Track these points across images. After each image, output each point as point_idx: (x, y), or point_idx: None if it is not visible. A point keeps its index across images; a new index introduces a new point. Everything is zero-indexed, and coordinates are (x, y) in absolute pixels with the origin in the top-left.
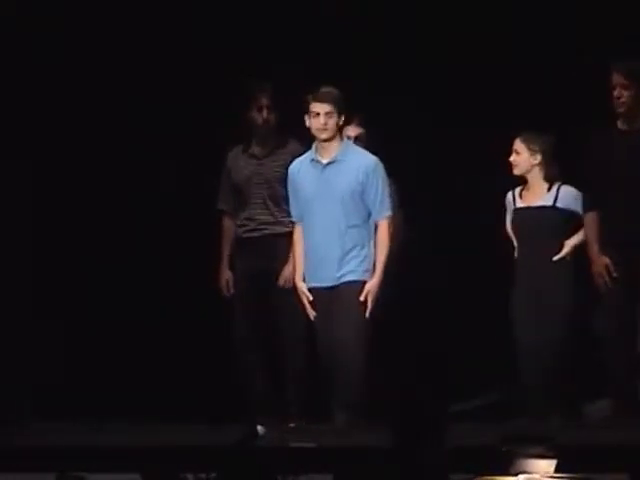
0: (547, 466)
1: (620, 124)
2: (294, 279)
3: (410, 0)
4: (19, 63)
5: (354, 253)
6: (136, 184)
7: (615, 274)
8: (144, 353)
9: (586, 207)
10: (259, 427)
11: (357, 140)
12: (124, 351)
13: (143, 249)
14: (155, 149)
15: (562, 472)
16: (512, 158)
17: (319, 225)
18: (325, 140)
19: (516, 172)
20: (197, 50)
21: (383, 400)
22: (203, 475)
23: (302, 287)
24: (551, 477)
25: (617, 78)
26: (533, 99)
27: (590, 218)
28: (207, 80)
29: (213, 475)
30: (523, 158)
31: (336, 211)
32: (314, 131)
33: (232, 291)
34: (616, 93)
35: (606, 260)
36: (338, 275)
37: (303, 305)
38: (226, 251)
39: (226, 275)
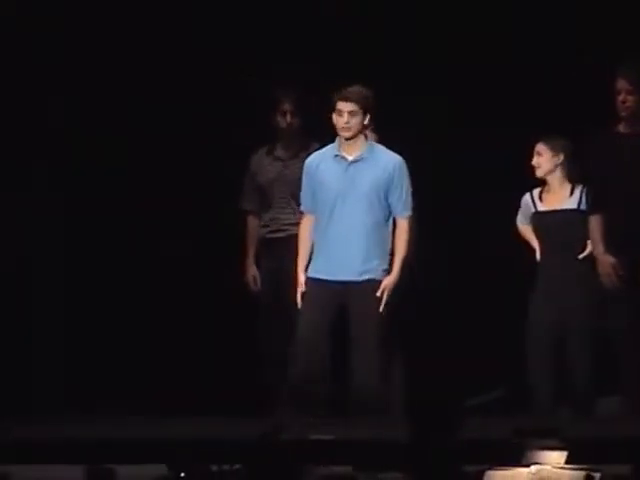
0: (558, 457)
1: (623, 127)
2: (296, 268)
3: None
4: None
5: (376, 252)
6: (160, 185)
7: (621, 273)
8: (173, 347)
9: (590, 209)
10: (282, 420)
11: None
12: (153, 345)
13: (167, 249)
14: (180, 150)
15: (572, 463)
16: (534, 160)
17: (342, 221)
18: (349, 138)
19: (539, 174)
20: (219, 53)
21: (400, 395)
22: (228, 466)
23: (302, 278)
24: (561, 468)
25: (622, 83)
26: (546, 101)
27: (594, 220)
28: (231, 84)
29: (237, 467)
30: (546, 159)
31: (360, 208)
32: (338, 129)
33: (259, 286)
34: (621, 98)
35: (611, 259)
36: (358, 272)
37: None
38: (252, 249)
39: (252, 271)
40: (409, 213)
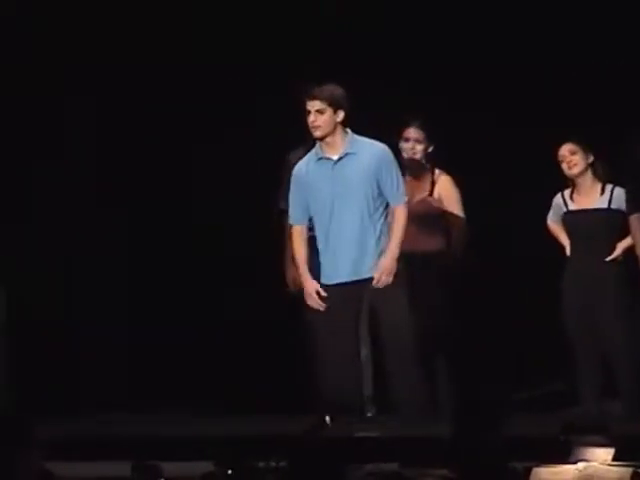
0: (605, 454)
1: None
2: (301, 280)
3: (477, 2)
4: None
5: (381, 244)
6: (205, 186)
7: None
8: (219, 345)
9: (630, 209)
10: (327, 417)
11: (416, 142)
12: (200, 343)
13: (214, 250)
14: (222, 151)
15: (620, 460)
16: (568, 159)
17: (342, 221)
18: (320, 138)
19: (575, 171)
20: (257, 56)
21: (444, 391)
22: (273, 463)
23: (315, 286)
24: (609, 465)
25: None
26: (576, 101)
27: (635, 220)
28: (272, 85)
29: (283, 463)
30: (580, 157)
31: (358, 205)
32: (310, 129)
33: (299, 288)
34: None
35: None
36: (368, 269)
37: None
38: (291, 249)
39: (293, 271)
40: (404, 199)
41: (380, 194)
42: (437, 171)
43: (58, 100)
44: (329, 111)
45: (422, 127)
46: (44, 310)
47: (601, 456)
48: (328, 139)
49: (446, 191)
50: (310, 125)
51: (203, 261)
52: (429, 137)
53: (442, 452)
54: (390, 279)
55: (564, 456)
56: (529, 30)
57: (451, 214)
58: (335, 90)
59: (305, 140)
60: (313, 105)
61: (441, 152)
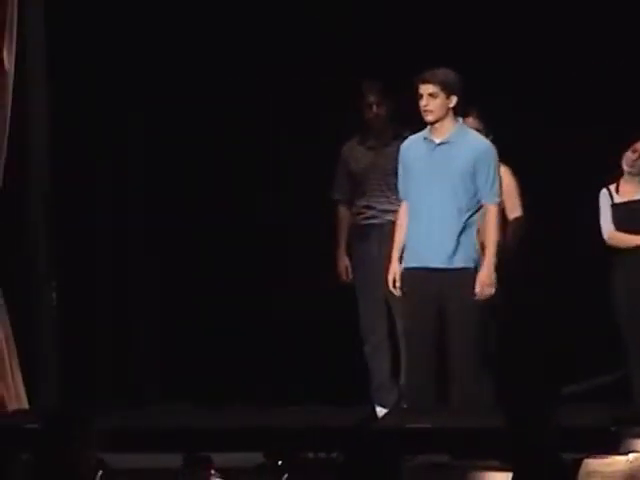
0: None
1: None
2: (391, 256)
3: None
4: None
5: (463, 238)
6: (250, 177)
7: None
8: (270, 337)
9: None
10: (378, 408)
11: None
12: (250, 335)
13: (256, 241)
14: (269, 142)
15: None
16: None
17: (427, 205)
18: (432, 122)
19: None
20: (301, 49)
21: (497, 383)
22: (324, 454)
23: (395, 270)
24: None
25: None
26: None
27: None
28: (321, 80)
29: (334, 454)
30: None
31: (446, 192)
32: (422, 113)
33: (351, 277)
34: None
35: None
36: (447, 259)
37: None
38: (343, 238)
39: (344, 261)
40: (497, 199)
41: (472, 188)
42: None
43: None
44: (442, 95)
45: (480, 117)
46: (102, 299)
47: None
48: (437, 124)
49: (504, 182)
50: (422, 109)
51: (249, 253)
52: (488, 128)
53: (493, 443)
54: (492, 290)
55: (615, 447)
56: (588, 29)
57: (508, 206)
58: (449, 74)
59: (357, 131)
60: (426, 89)
61: (500, 143)
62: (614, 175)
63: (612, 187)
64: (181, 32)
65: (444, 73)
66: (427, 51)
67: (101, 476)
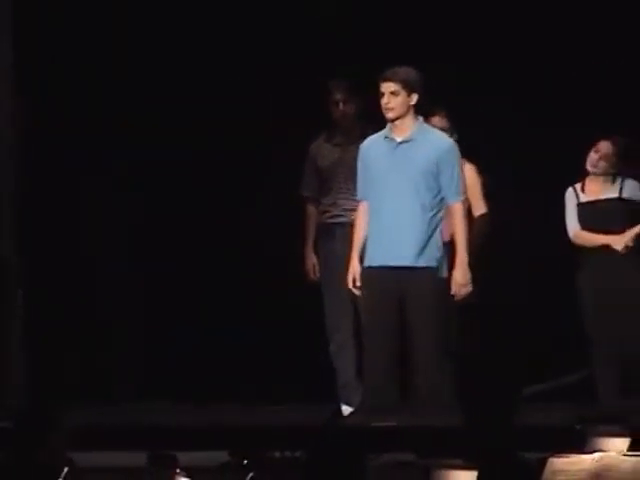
0: (621, 444)
1: None
2: (351, 255)
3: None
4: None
5: (427, 237)
6: (221, 176)
7: None
8: (237, 337)
9: None
10: (343, 407)
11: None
12: (215, 333)
13: (229, 240)
14: (237, 140)
15: (635, 450)
16: (598, 157)
17: (390, 204)
18: (392, 119)
19: (601, 171)
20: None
21: (457, 382)
22: (289, 453)
23: (355, 270)
24: (625, 455)
25: None
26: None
27: None
28: (289, 80)
29: (299, 453)
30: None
31: (408, 190)
32: (383, 111)
33: (318, 275)
34: None
35: None
36: (411, 258)
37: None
38: (310, 236)
39: (312, 259)
40: (461, 198)
41: (436, 187)
42: (461, 160)
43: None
44: (403, 93)
45: (446, 117)
46: (67, 299)
47: (617, 446)
48: (398, 122)
49: (469, 180)
50: (383, 107)
51: (224, 250)
52: (453, 126)
53: (458, 442)
54: (469, 290)
55: (580, 446)
56: (557, 31)
57: (473, 204)
58: (410, 72)
59: (324, 130)
60: (388, 87)
61: (465, 142)
62: (580, 174)
63: (578, 186)
64: (142, 33)
65: (405, 71)
66: (394, 50)
67: (66, 474)
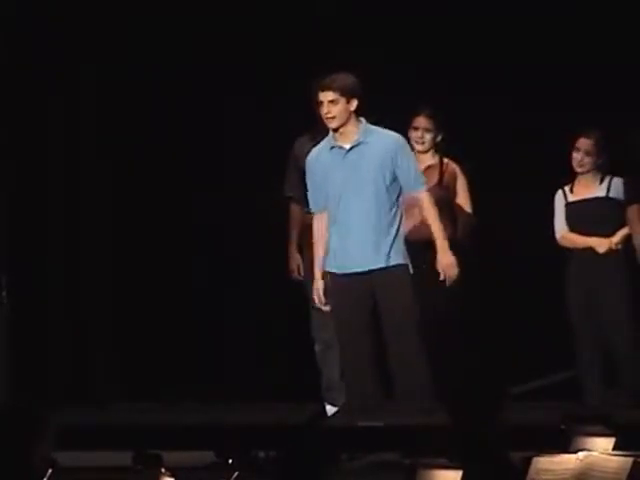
0: (606, 444)
1: None
2: (313, 273)
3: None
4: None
5: (393, 235)
6: (202, 176)
7: None
8: (219, 335)
9: (628, 199)
10: (328, 406)
11: (426, 132)
12: (200, 333)
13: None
14: (221, 140)
15: (620, 449)
16: (579, 155)
17: (350, 210)
18: (337, 128)
19: (585, 169)
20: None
21: (445, 381)
22: (274, 453)
23: (319, 284)
24: (609, 454)
25: None
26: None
27: (632, 210)
28: (273, 80)
29: (284, 453)
30: (588, 153)
31: (368, 194)
32: (324, 120)
33: (302, 274)
34: None
35: None
36: (383, 259)
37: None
38: (295, 236)
39: (296, 259)
40: (423, 186)
41: (393, 184)
42: (445, 160)
43: None
44: (342, 101)
45: (431, 116)
46: (51, 300)
47: (601, 445)
48: (341, 129)
49: (455, 180)
50: (324, 117)
51: (206, 249)
52: (438, 126)
53: (443, 441)
54: (456, 270)
55: (565, 445)
56: (533, 29)
57: (458, 203)
58: (347, 79)
59: (309, 127)
60: (326, 96)
61: (450, 141)
62: (572, 176)
63: (567, 188)
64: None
65: (342, 78)
66: (377, 50)
67: (50, 475)
